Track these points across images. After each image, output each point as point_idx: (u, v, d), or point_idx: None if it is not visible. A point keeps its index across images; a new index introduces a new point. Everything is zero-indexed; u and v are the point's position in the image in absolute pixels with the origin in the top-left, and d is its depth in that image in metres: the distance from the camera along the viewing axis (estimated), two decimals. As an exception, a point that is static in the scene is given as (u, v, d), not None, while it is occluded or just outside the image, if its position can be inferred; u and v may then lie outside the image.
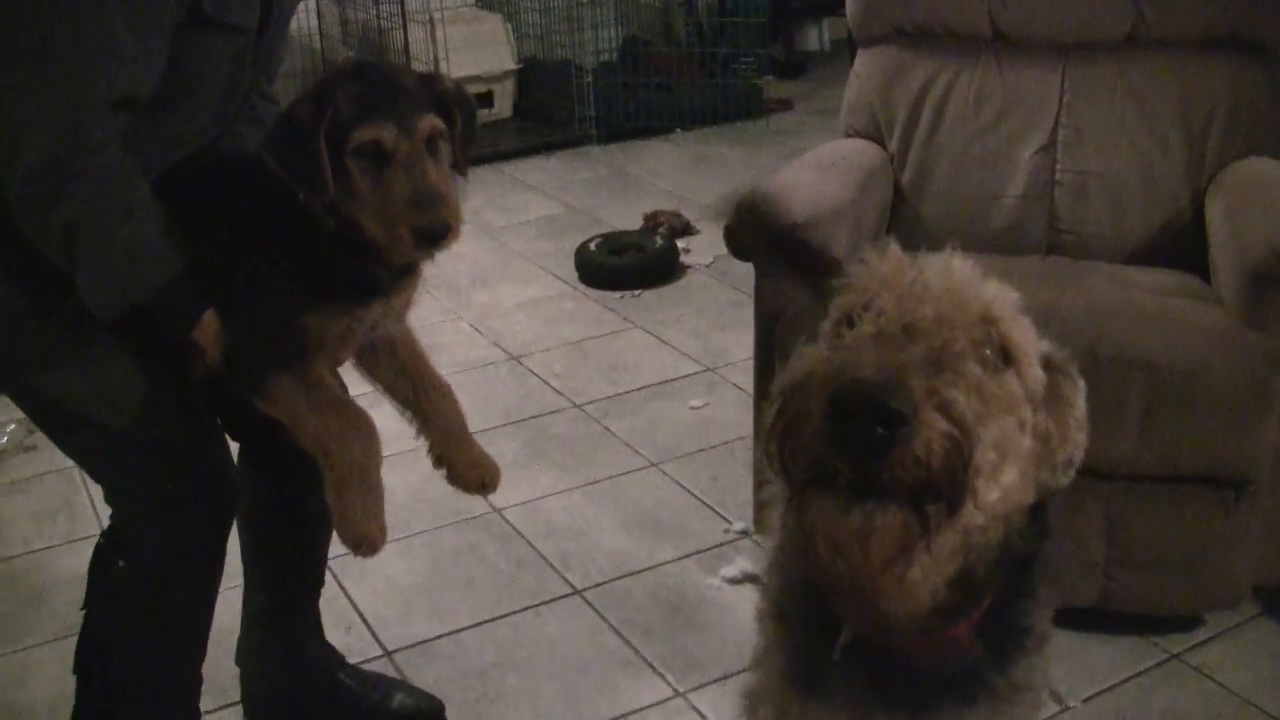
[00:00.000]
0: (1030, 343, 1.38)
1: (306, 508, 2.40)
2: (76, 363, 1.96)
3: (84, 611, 2.24)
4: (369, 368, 2.20)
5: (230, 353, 1.95)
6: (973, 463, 1.20)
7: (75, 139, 1.76)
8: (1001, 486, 1.28)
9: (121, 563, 2.17)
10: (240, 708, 2.67)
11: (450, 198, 1.88)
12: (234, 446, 2.31)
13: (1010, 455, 1.29)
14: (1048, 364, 1.43)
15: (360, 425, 1.99)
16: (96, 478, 2.18)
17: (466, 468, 2.21)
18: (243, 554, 2.48)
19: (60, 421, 2.07)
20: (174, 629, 2.23)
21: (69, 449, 2.18)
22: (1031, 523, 1.45)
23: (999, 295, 1.37)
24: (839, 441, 1.18)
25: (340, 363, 2.11)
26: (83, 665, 2.26)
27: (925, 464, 1.17)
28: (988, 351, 1.30)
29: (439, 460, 2.21)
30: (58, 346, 1.95)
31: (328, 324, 1.97)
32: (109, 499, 2.18)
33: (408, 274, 2.04)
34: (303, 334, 1.94)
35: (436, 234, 1.85)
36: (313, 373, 1.96)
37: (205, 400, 2.11)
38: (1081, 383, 1.47)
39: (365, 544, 2.00)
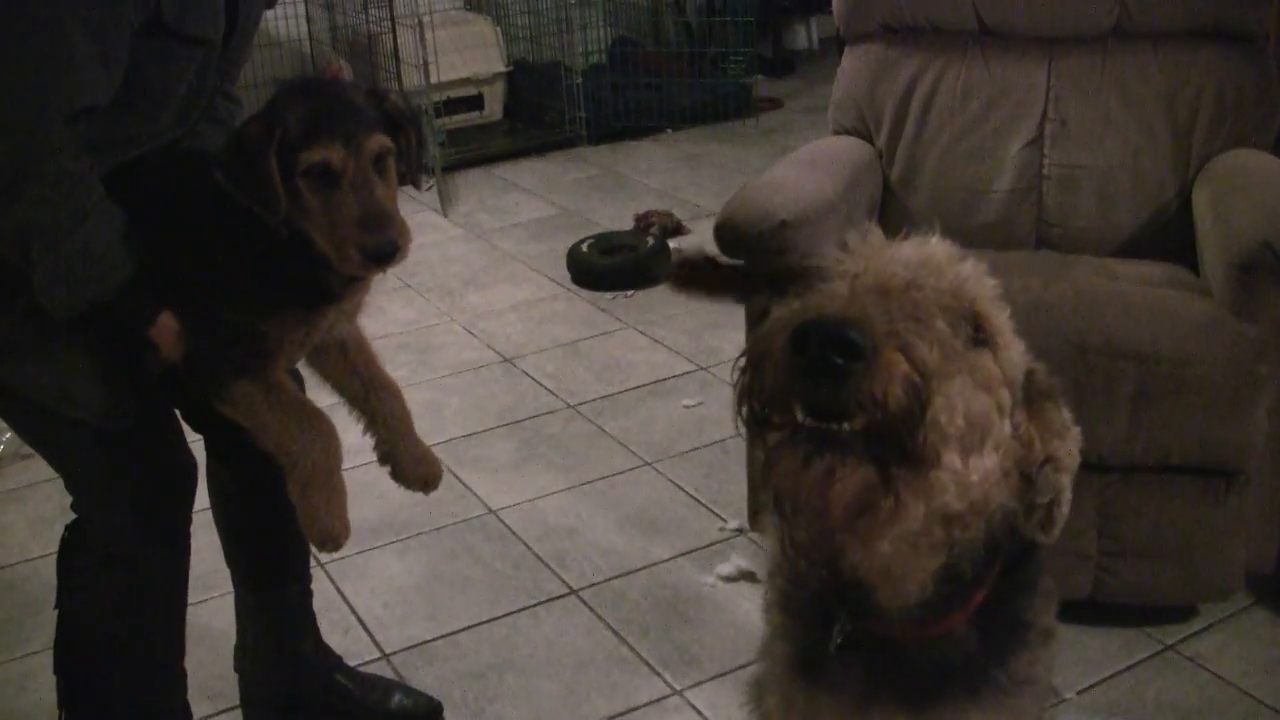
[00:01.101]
0: (1008, 325, 1.38)
1: (277, 497, 2.42)
2: (33, 354, 1.98)
3: (56, 610, 2.25)
4: (320, 366, 2.23)
5: (189, 357, 1.96)
6: (930, 411, 1.19)
7: (31, 145, 1.79)
8: (976, 467, 1.29)
9: (88, 555, 2.19)
10: (239, 712, 2.67)
11: (397, 217, 1.91)
12: (200, 440, 2.33)
13: (987, 435, 1.29)
14: (1032, 378, 1.43)
15: (320, 426, 2.03)
16: (56, 467, 2.21)
17: (411, 465, 2.25)
18: (224, 551, 2.49)
19: (20, 412, 2.10)
20: (145, 619, 2.24)
21: (28, 438, 2.22)
22: (1019, 520, 1.46)
23: (976, 275, 1.38)
24: (798, 374, 1.18)
25: (294, 363, 2.13)
26: (62, 665, 2.27)
27: (881, 404, 1.16)
28: (962, 322, 1.31)
29: (384, 457, 2.25)
30: (15, 339, 1.97)
31: (285, 329, 1.99)
32: (69, 487, 2.20)
33: (360, 279, 2.07)
34: (261, 339, 1.96)
35: (384, 254, 1.89)
36: (271, 376, 1.99)
37: (160, 389, 2.12)
38: (1065, 412, 1.48)
39: (329, 540, 2.04)
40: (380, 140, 1.92)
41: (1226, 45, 3.30)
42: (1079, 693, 2.68)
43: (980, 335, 1.32)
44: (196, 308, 1.95)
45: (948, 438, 1.23)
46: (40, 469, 3.82)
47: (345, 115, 1.91)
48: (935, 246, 1.39)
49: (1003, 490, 1.38)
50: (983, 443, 1.29)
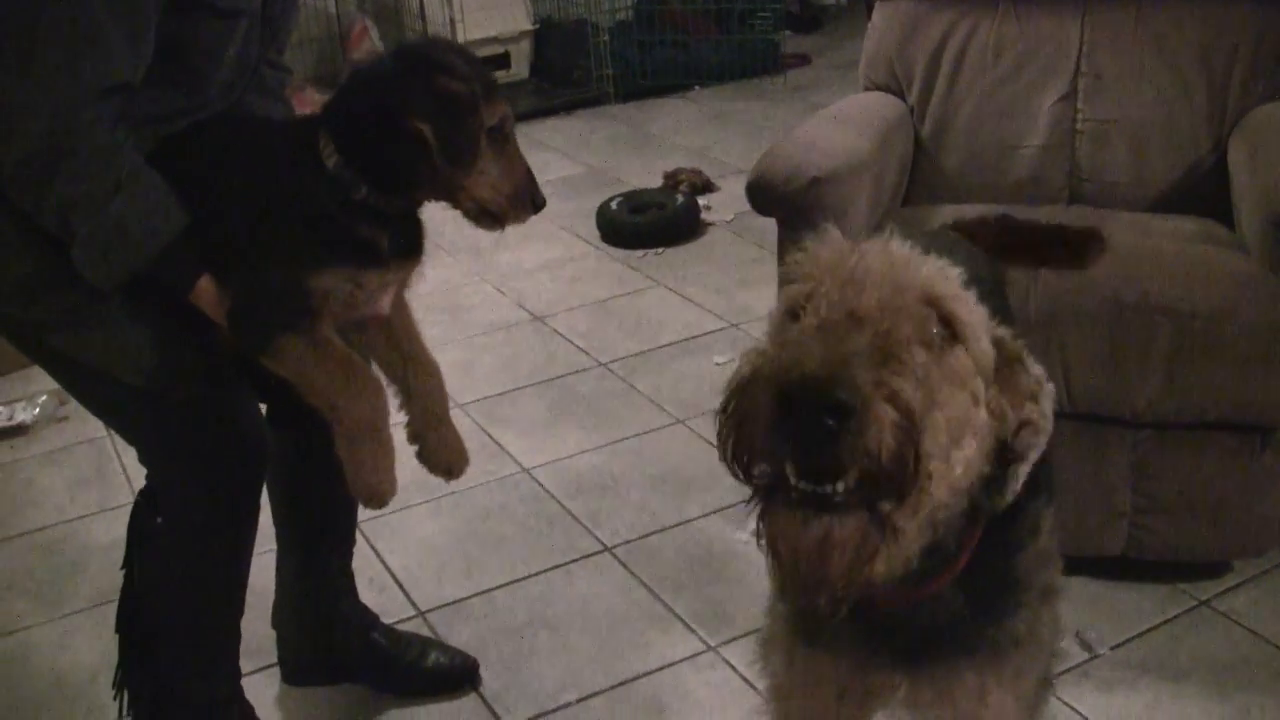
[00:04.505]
0: (976, 317, 1.38)
1: (332, 466, 2.45)
2: (99, 326, 1.99)
3: (123, 571, 2.28)
4: (365, 341, 2.24)
5: (234, 314, 1.97)
6: (923, 451, 1.20)
7: (64, 124, 1.79)
8: (959, 460, 1.29)
9: (159, 519, 2.20)
10: (278, 670, 2.70)
11: None
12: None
13: (965, 431, 1.30)
14: (999, 346, 1.43)
15: (368, 382, 2.03)
16: (129, 439, 2.21)
17: (438, 448, 2.25)
18: (273, 513, 2.51)
19: (89, 385, 2.11)
20: (212, 582, 2.26)
21: (101, 412, 2.23)
22: (998, 481, 1.46)
23: (941, 274, 1.37)
24: (788, 437, 1.18)
25: (341, 323, 2.14)
26: (125, 624, 2.29)
27: (875, 456, 1.17)
28: (934, 331, 1.31)
29: (414, 436, 2.25)
30: (79, 312, 1.98)
31: (333, 286, 2.00)
32: (142, 459, 2.21)
33: (408, 261, 2.11)
34: (309, 295, 1.97)
35: (542, 201, 2.07)
36: (318, 332, 1.99)
37: (230, 359, 2.13)
38: (1036, 369, 1.47)
39: (375, 497, 2.06)
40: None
41: (1263, -3, 3.26)
42: (1112, 648, 2.68)
43: (952, 333, 1.33)
44: (243, 265, 1.96)
45: (936, 459, 1.24)
46: (77, 431, 3.87)
47: (489, 76, 2.02)
48: (896, 251, 1.38)
49: (980, 463, 1.38)
50: (962, 437, 1.30)
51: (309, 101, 2.14)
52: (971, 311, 1.37)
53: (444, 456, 2.25)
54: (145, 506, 2.24)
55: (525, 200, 2.03)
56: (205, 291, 1.96)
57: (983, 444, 1.37)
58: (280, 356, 1.98)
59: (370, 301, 2.09)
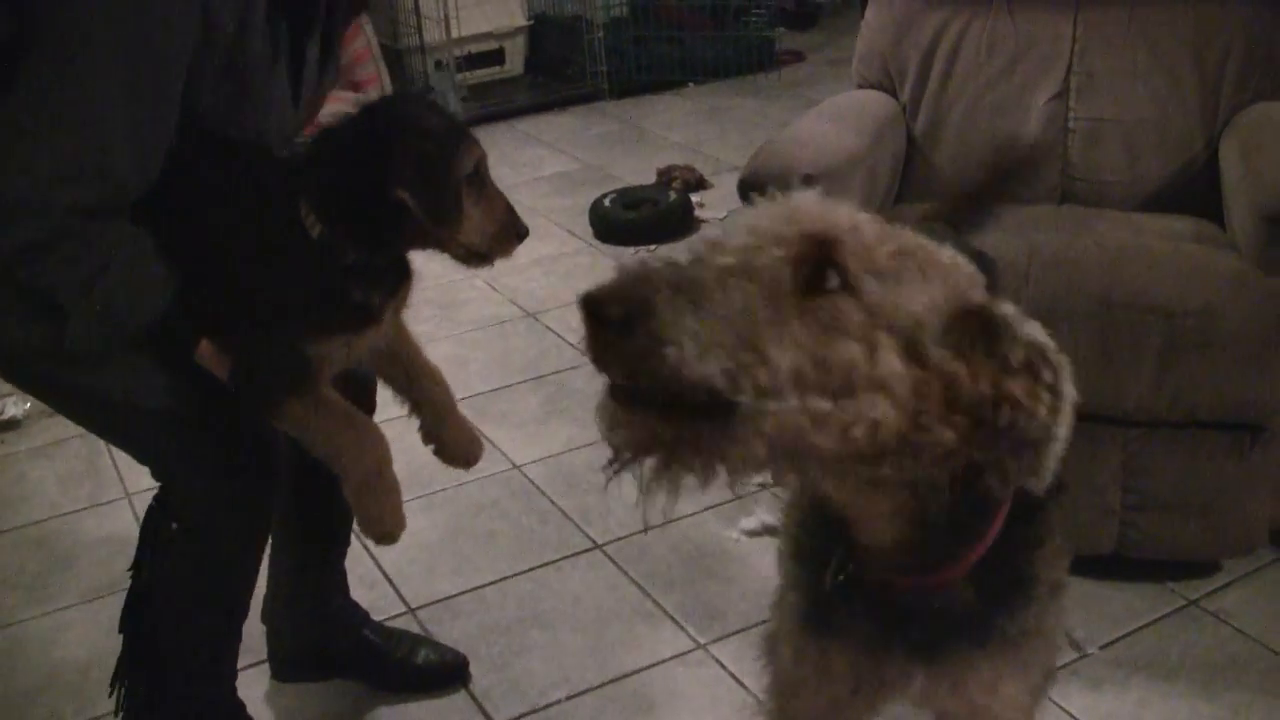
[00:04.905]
0: (891, 269, 1.33)
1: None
2: (105, 357, 1.99)
3: (131, 572, 2.27)
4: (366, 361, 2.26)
5: (234, 380, 1.98)
6: (690, 375, 1.21)
7: (51, 229, 1.79)
8: (850, 409, 1.27)
9: (174, 525, 2.21)
10: (266, 666, 2.70)
11: None
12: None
13: (851, 377, 1.27)
14: (967, 315, 1.37)
15: (368, 433, 2.08)
16: (142, 460, 2.21)
17: (453, 444, 2.31)
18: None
19: (98, 412, 2.11)
20: (223, 587, 2.26)
21: (111, 437, 2.26)
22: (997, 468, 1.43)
23: (845, 221, 1.35)
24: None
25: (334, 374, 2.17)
26: (131, 624, 2.29)
27: (634, 366, 1.23)
28: (804, 273, 1.29)
29: (428, 437, 2.30)
30: (101, 354, 1.99)
31: (329, 352, 2.02)
32: (157, 475, 2.21)
33: (399, 293, 2.13)
34: (306, 364, 1.99)
35: (525, 233, 2.06)
36: (319, 394, 2.03)
37: None
38: (1032, 336, 1.38)
39: (386, 537, 2.12)
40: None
41: (1256, -3, 3.26)
42: (1102, 647, 2.69)
43: (843, 280, 1.30)
44: (239, 332, 1.98)
45: (772, 396, 1.24)
46: (68, 426, 3.84)
47: (457, 122, 2.04)
48: (803, 196, 1.39)
49: (939, 435, 1.36)
50: (850, 385, 1.28)
51: (339, 98, 2.15)
52: (878, 259, 1.33)
53: (460, 449, 2.32)
54: (159, 511, 2.24)
55: (510, 235, 2.03)
56: (205, 354, 1.97)
57: (912, 404, 1.33)
58: (283, 419, 2.03)
59: (370, 352, 2.12)
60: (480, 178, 2.00)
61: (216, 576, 2.24)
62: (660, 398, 1.25)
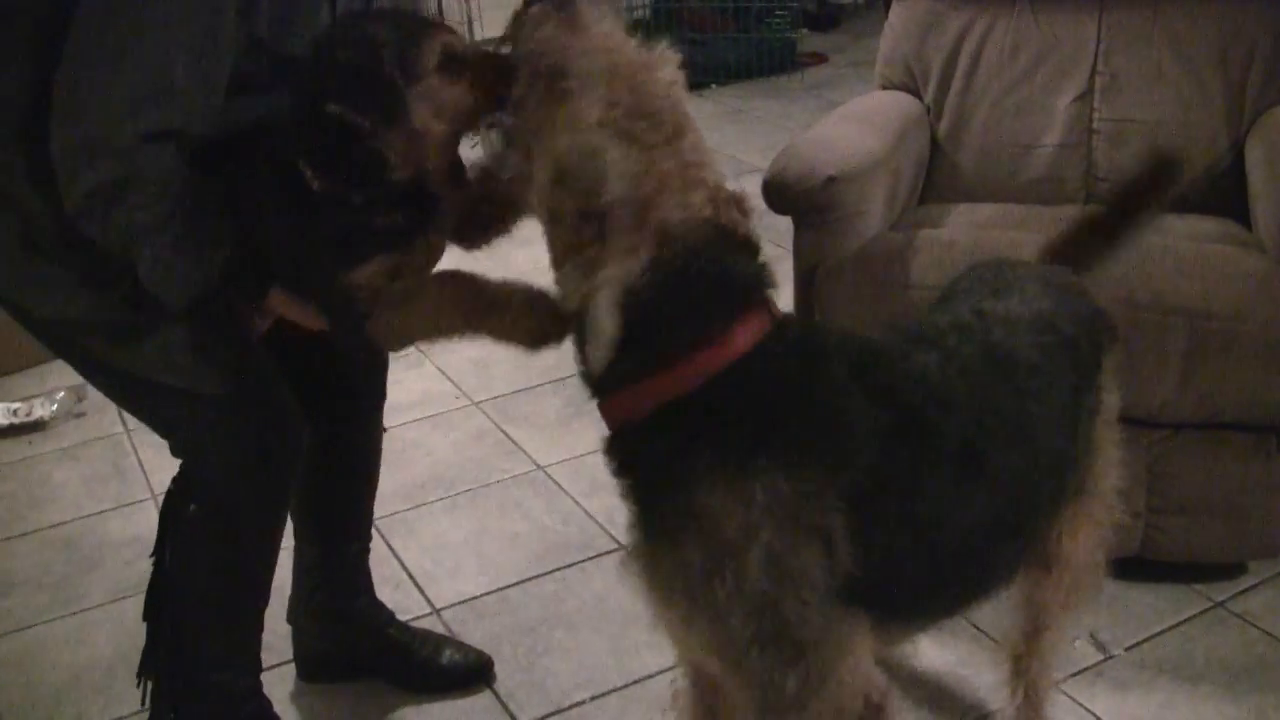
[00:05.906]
0: (590, 72, 1.66)
1: (351, 459, 2.48)
2: (136, 335, 2.00)
3: (153, 559, 2.28)
4: None
5: (325, 311, 1.96)
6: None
7: (128, 165, 1.80)
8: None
9: (193, 507, 2.22)
10: (292, 668, 2.71)
11: None
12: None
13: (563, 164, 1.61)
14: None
15: (448, 287, 1.99)
16: (164, 434, 2.22)
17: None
18: (292, 509, 2.52)
19: (123, 385, 2.13)
20: (243, 569, 2.27)
21: (136, 410, 2.25)
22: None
23: (585, 45, 1.72)
24: None
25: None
26: (152, 613, 2.31)
27: None
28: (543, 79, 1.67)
29: None
30: (117, 323, 2.00)
31: (379, 271, 1.98)
32: (177, 451, 2.22)
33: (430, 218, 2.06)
34: (358, 290, 1.95)
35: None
36: (393, 302, 1.93)
37: (262, 352, 2.14)
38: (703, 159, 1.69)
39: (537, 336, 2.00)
40: None
41: (1281, -4, 3.25)
42: (1127, 649, 2.68)
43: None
44: (297, 282, 1.96)
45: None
46: (94, 427, 3.89)
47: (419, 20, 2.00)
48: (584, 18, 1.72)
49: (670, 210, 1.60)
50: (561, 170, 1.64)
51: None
52: (595, 66, 1.70)
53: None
54: (178, 494, 2.25)
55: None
56: (280, 303, 1.98)
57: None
58: (386, 340, 1.94)
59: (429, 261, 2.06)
60: (461, 59, 1.89)
61: (237, 555, 2.25)
62: None
